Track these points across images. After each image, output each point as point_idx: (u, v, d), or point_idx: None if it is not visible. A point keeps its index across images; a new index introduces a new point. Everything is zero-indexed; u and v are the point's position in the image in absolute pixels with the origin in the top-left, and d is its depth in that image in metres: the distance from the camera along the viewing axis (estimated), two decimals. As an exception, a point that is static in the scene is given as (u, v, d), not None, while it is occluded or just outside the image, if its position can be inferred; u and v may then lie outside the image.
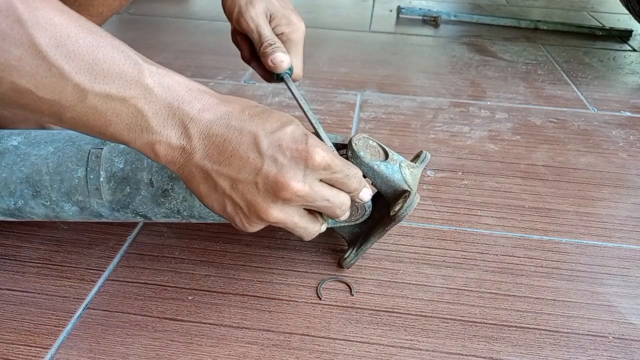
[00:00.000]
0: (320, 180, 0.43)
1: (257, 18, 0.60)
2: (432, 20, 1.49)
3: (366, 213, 0.52)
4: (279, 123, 0.41)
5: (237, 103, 0.41)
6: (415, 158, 0.55)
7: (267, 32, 0.60)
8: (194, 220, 0.54)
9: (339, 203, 0.44)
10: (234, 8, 0.61)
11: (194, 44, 1.24)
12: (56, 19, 0.35)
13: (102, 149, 0.52)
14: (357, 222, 0.52)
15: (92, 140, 0.53)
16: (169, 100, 0.38)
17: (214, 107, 0.40)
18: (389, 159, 0.51)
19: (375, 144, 0.52)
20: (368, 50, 1.26)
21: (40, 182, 0.51)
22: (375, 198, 0.55)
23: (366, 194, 0.47)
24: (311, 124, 0.53)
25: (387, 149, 0.52)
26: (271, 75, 0.60)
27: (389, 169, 0.50)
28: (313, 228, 0.46)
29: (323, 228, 0.48)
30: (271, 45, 0.58)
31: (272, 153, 0.40)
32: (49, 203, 0.52)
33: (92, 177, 0.51)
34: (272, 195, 0.41)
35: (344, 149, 0.52)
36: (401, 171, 0.50)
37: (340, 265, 0.56)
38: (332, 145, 0.51)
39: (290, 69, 0.60)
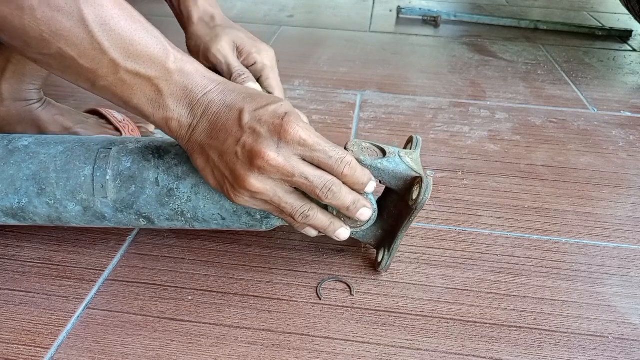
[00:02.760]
0: (302, 159, 0.45)
1: (223, 50, 0.64)
2: (432, 20, 1.49)
3: (372, 218, 0.51)
4: (265, 102, 0.45)
5: (238, 89, 0.46)
6: (408, 143, 0.56)
7: (235, 63, 0.63)
8: (197, 225, 0.54)
9: (320, 183, 0.45)
10: (199, 46, 0.66)
11: (194, 44, 1.24)
12: (104, 1, 0.41)
13: (110, 149, 0.52)
14: (364, 227, 0.52)
15: (101, 142, 0.54)
16: (185, 84, 0.44)
17: (218, 91, 0.45)
18: (387, 155, 0.52)
19: (368, 144, 0.53)
20: (368, 50, 1.26)
21: (46, 180, 0.51)
22: (388, 195, 0.55)
23: (371, 185, 0.48)
24: None
25: (381, 145, 0.53)
26: None
27: (392, 163, 0.51)
28: (301, 208, 0.47)
29: (324, 223, 0.49)
30: (241, 75, 0.62)
31: (251, 125, 0.44)
32: (52, 202, 0.52)
33: (98, 174, 0.51)
34: (249, 163, 0.44)
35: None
36: (403, 161, 0.51)
37: (376, 270, 0.55)
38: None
39: None
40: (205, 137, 0.45)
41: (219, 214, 0.52)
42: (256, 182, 0.44)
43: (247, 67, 0.65)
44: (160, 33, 0.45)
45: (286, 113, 0.44)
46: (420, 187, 0.49)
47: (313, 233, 0.51)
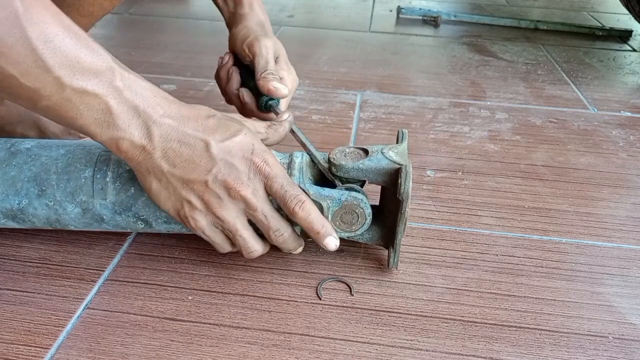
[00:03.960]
0: (265, 189, 0.48)
1: (269, 48, 0.65)
2: (432, 20, 1.49)
3: (366, 222, 0.52)
4: (228, 133, 0.46)
5: (195, 113, 0.47)
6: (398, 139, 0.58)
7: (273, 63, 0.64)
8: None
9: (275, 226, 0.49)
10: (248, 35, 0.66)
11: (194, 44, 1.24)
12: (48, 18, 0.39)
13: (111, 152, 0.53)
14: (358, 232, 0.53)
15: (102, 146, 0.54)
16: (135, 102, 0.43)
17: (174, 114, 0.45)
18: (370, 154, 0.53)
19: (352, 149, 0.54)
20: (368, 50, 1.26)
21: (47, 181, 0.52)
22: (384, 193, 0.56)
23: (331, 242, 0.50)
24: (302, 145, 0.56)
25: (365, 147, 0.54)
26: (259, 105, 0.63)
27: (374, 161, 0.52)
28: (252, 246, 0.50)
29: (259, 248, 0.51)
30: (274, 74, 0.62)
31: (222, 157, 0.45)
32: (52, 203, 0.52)
33: (98, 176, 0.52)
34: (220, 193, 0.46)
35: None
36: (385, 156, 0.52)
37: (389, 268, 0.56)
38: (323, 160, 0.54)
39: (278, 101, 0.63)
40: (166, 164, 0.45)
41: None
42: (223, 212, 0.47)
43: None
44: (106, 51, 0.43)
45: (253, 145, 0.47)
46: (400, 177, 0.50)
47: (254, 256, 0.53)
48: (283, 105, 0.64)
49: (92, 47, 0.41)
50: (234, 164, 0.46)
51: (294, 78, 0.68)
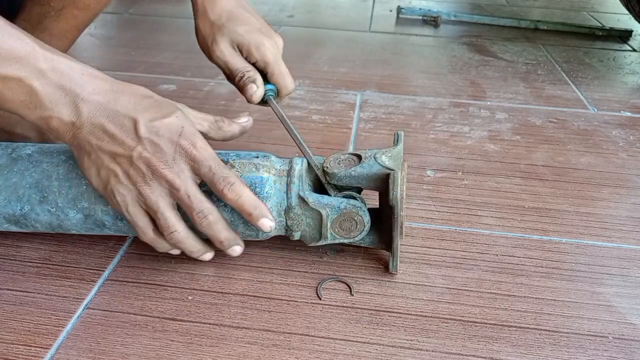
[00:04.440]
0: (194, 174, 0.48)
1: (222, 55, 0.63)
2: (432, 20, 1.49)
3: (365, 228, 0.53)
4: (159, 114, 0.47)
5: (128, 91, 0.47)
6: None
7: (236, 64, 0.62)
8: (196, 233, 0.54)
9: (198, 207, 0.48)
10: (204, 47, 0.65)
11: (194, 44, 1.23)
12: None
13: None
14: (357, 238, 0.53)
15: None
16: (61, 82, 0.44)
17: (104, 92, 0.46)
18: (362, 159, 0.53)
19: (346, 155, 0.55)
20: (368, 50, 1.26)
21: (49, 188, 0.52)
22: (382, 198, 0.55)
23: (265, 223, 0.50)
24: (297, 144, 0.56)
25: (359, 152, 0.54)
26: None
27: (366, 167, 0.52)
28: (174, 227, 0.49)
29: (181, 229, 0.50)
30: (242, 78, 0.61)
31: (148, 137, 0.46)
32: (54, 209, 0.52)
33: None
34: (144, 171, 0.46)
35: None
36: (377, 161, 0.52)
37: (390, 273, 0.55)
38: (318, 165, 0.54)
39: (273, 90, 0.62)
40: (94, 139, 0.46)
41: None
42: (146, 188, 0.47)
43: (253, 64, 0.63)
44: (29, 35, 0.44)
45: (182, 127, 0.47)
46: (389, 182, 0.50)
47: (175, 252, 0.53)
48: (283, 83, 0.63)
49: (11, 33, 0.42)
50: (159, 145, 0.46)
51: (268, 46, 0.63)
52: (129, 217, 0.49)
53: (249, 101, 0.62)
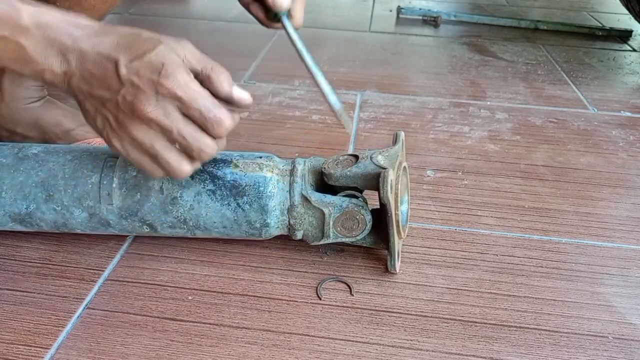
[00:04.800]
0: (183, 115, 0.45)
1: None
2: (432, 20, 1.48)
3: (367, 227, 0.53)
4: (140, 51, 0.44)
5: (112, 33, 0.45)
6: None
7: None
8: (198, 233, 0.55)
9: (196, 146, 0.45)
10: None
11: (194, 44, 1.23)
12: None
13: (117, 158, 0.54)
14: (358, 237, 0.54)
15: (108, 151, 0.55)
16: (47, 35, 0.43)
17: (89, 37, 0.44)
18: (359, 160, 0.53)
19: (345, 157, 0.55)
20: (368, 50, 1.26)
21: (54, 186, 0.52)
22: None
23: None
24: (311, 75, 0.53)
25: (357, 153, 0.55)
26: (269, 17, 0.57)
27: (361, 167, 0.52)
28: (179, 164, 0.47)
29: (187, 168, 0.47)
30: None
31: (129, 78, 0.43)
32: (60, 208, 0.53)
33: (105, 182, 0.52)
34: (130, 115, 0.44)
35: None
36: (373, 161, 0.52)
37: (390, 272, 0.56)
38: (336, 102, 0.52)
39: (287, 15, 0.57)
40: (84, 85, 0.45)
41: (220, 222, 0.53)
42: (137, 131, 0.45)
43: None
44: None
45: (163, 64, 0.43)
46: (379, 182, 0.50)
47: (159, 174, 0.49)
48: (298, 12, 0.58)
49: None
50: (140, 87, 0.43)
51: None
52: (134, 163, 0.48)
53: (273, 7, 0.55)
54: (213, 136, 0.46)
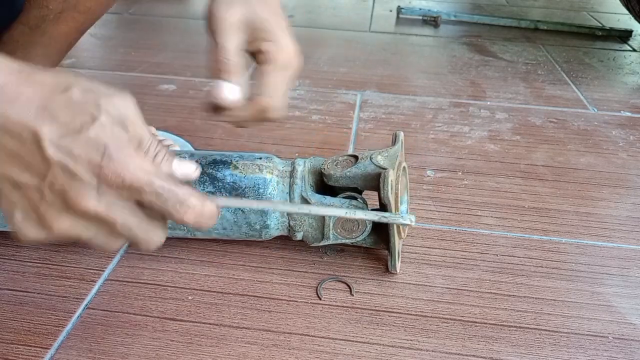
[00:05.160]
0: (129, 201, 0.35)
1: (226, 23, 0.48)
2: (432, 20, 1.49)
3: (367, 229, 0.53)
4: (76, 124, 0.32)
5: (36, 81, 0.33)
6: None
7: (229, 44, 0.48)
8: (199, 234, 0.55)
9: (143, 239, 0.36)
10: (207, 6, 0.48)
11: (194, 44, 1.24)
12: None
13: None
14: (358, 238, 0.54)
15: None
16: None
17: (5, 91, 0.32)
18: (359, 160, 0.53)
19: (344, 157, 0.55)
20: (368, 50, 1.26)
21: None
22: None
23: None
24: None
25: (356, 153, 0.55)
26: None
27: (361, 167, 0.52)
28: (114, 245, 0.37)
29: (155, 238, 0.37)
30: (223, 67, 0.47)
31: (59, 160, 0.32)
32: None
33: None
34: (61, 207, 0.34)
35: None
36: (372, 161, 0.52)
37: (390, 272, 0.56)
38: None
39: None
40: None
41: (220, 223, 0.53)
42: (66, 226, 0.34)
43: (252, 54, 0.49)
44: None
45: (106, 145, 0.33)
46: (379, 182, 0.50)
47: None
48: (274, 100, 0.47)
49: None
50: (76, 173, 0.32)
51: (284, 48, 0.51)
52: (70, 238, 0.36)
53: (215, 101, 0.46)
54: (178, 221, 0.36)
